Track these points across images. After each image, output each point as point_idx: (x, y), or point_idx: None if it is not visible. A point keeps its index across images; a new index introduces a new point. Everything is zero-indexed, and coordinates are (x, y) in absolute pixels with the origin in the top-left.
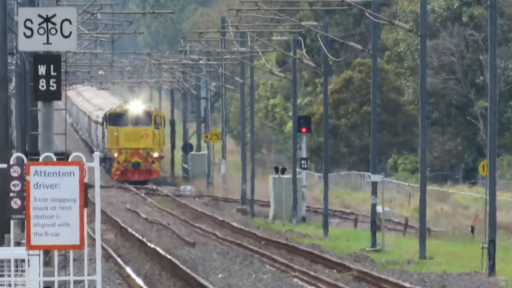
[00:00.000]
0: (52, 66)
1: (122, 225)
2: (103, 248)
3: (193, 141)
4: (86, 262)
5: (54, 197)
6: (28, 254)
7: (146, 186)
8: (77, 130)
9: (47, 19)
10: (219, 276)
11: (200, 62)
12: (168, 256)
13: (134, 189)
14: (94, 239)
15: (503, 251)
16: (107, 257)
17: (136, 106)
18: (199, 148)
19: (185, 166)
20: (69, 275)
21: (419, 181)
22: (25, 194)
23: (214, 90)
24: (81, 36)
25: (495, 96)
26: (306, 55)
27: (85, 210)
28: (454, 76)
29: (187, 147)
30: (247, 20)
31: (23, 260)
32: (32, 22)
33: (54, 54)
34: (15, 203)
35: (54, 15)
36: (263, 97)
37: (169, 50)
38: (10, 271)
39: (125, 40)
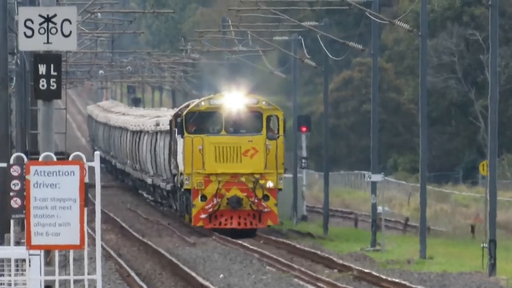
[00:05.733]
0: (52, 66)
1: None
2: (103, 248)
3: None
4: (86, 262)
5: (54, 197)
6: (29, 254)
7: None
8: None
9: (47, 19)
10: (220, 276)
11: (201, 61)
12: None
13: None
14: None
15: (503, 251)
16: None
17: (235, 100)
18: None
19: None
20: (69, 274)
21: (419, 181)
22: (25, 193)
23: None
24: (81, 36)
25: (495, 95)
26: (307, 55)
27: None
28: (455, 75)
29: None
30: (247, 20)
31: (23, 260)
32: (32, 22)
33: (55, 54)
34: (15, 203)
35: (55, 15)
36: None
37: (170, 49)
38: (10, 270)
39: (125, 39)
